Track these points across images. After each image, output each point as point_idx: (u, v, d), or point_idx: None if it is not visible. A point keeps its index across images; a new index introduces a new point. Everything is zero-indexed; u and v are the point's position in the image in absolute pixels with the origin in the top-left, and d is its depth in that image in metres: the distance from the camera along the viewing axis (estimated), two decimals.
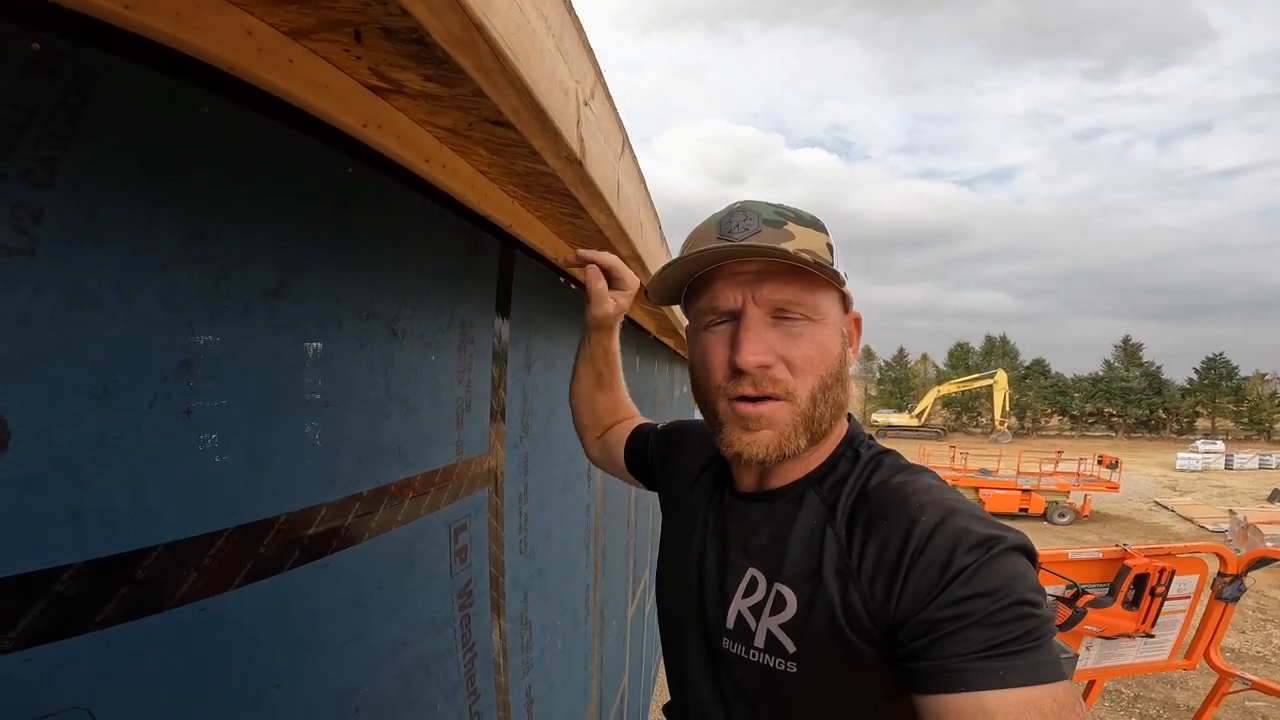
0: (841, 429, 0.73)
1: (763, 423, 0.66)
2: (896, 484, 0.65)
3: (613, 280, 1.00)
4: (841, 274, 0.66)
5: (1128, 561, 3.00)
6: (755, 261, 0.65)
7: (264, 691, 0.64)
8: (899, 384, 63.65)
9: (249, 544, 0.62)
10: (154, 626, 0.51)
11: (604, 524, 2.56)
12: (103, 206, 0.47)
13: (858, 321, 0.74)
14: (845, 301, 0.71)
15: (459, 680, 1.13)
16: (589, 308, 1.01)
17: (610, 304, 1.00)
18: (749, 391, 0.66)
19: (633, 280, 1.00)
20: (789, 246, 0.63)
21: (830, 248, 0.67)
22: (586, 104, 0.64)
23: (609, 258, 0.97)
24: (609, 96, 0.75)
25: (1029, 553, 0.58)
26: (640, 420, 1.12)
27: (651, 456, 1.00)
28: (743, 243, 0.64)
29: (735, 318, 0.67)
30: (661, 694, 5.32)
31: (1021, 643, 0.52)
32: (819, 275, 0.65)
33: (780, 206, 0.68)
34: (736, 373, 0.66)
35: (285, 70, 0.59)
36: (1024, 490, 15.73)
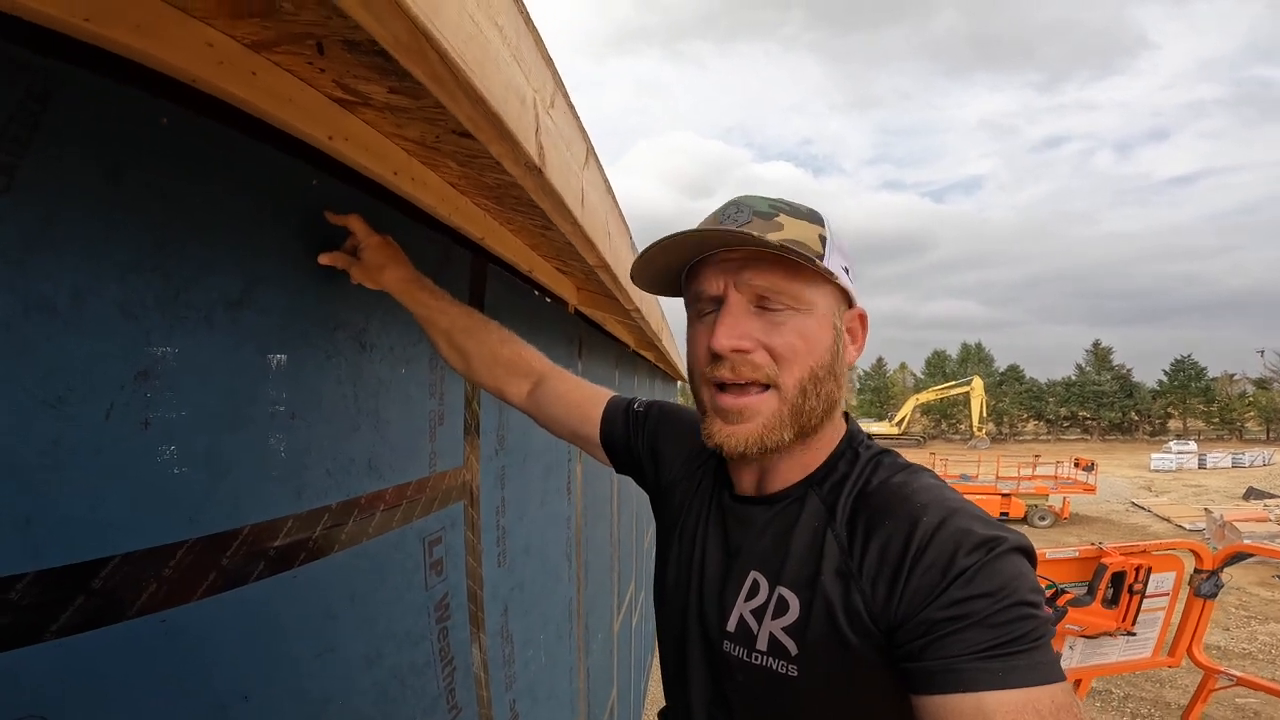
0: (840, 428, 0.73)
1: (744, 415, 0.65)
2: (897, 484, 0.64)
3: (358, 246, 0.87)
4: (827, 266, 0.65)
5: (1104, 560, 3.05)
6: (741, 250, 0.65)
7: (231, 704, 0.63)
8: (878, 393, 64.30)
9: (212, 555, 0.62)
10: (112, 637, 0.51)
11: (585, 536, 2.55)
12: (61, 213, 0.48)
13: (862, 318, 0.72)
14: (847, 298, 0.70)
15: (438, 694, 1.11)
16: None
17: (357, 270, 0.86)
18: (727, 376, 0.65)
19: (367, 238, 0.85)
20: (775, 236, 0.63)
21: (823, 239, 0.66)
22: (547, 112, 0.65)
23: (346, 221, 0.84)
24: (570, 105, 0.77)
25: (1029, 553, 0.58)
26: (600, 393, 1.00)
27: (635, 445, 0.93)
28: (717, 228, 0.64)
29: (719, 305, 0.67)
30: (651, 707, 5.25)
31: (1021, 643, 0.52)
32: (806, 266, 0.64)
33: (778, 200, 0.68)
34: (716, 358, 0.65)
35: (248, 82, 0.60)
36: (1004, 495, 15.90)
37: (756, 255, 0.64)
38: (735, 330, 0.64)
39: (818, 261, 0.64)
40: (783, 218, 0.66)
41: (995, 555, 0.55)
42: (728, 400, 0.66)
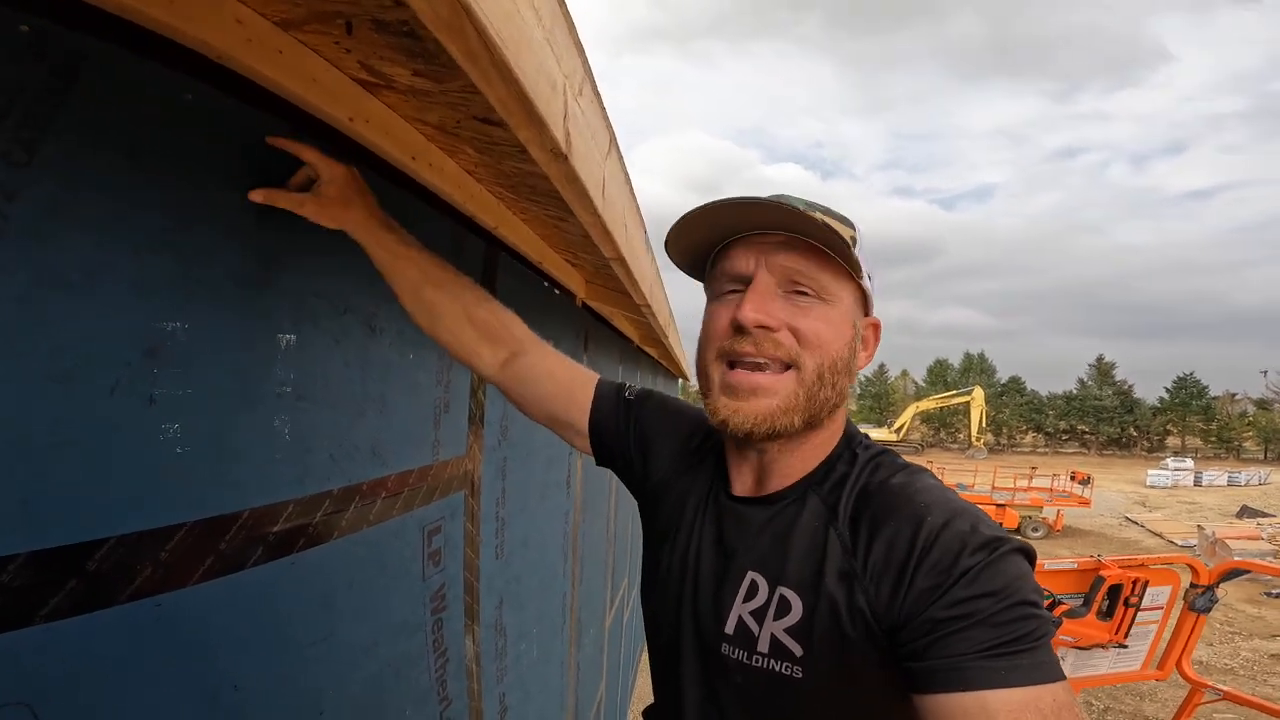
0: (839, 429, 0.72)
1: (758, 392, 0.64)
2: (899, 483, 0.64)
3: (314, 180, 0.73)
4: (860, 262, 0.66)
5: (1102, 572, 3.05)
6: (776, 235, 0.65)
7: (221, 692, 0.62)
8: (879, 399, 64.35)
9: (210, 539, 0.60)
10: (103, 622, 0.49)
11: (582, 531, 2.54)
12: (80, 189, 0.47)
13: (876, 327, 0.72)
14: (865, 302, 0.70)
15: (429, 686, 1.10)
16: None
17: (313, 206, 0.71)
18: (749, 351, 0.64)
19: (329, 170, 0.72)
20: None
21: (854, 241, 0.67)
22: (575, 99, 0.64)
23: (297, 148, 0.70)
24: (597, 95, 0.75)
25: (1029, 555, 0.59)
26: (588, 375, 0.92)
27: (626, 435, 0.87)
28: (770, 200, 0.63)
29: (746, 284, 0.66)
30: (638, 703, 5.27)
31: (1024, 642, 0.52)
32: (836, 261, 0.65)
33: (816, 202, 0.68)
34: (738, 331, 0.64)
35: (274, 61, 0.58)
36: (999, 505, 15.90)
37: (791, 240, 0.65)
38: (763, 306, 0.64)
39: (854, 258, 0.64)
40: (819, 214, 0.66)
41: (999, 555, 0.56)
42: (738, 376, 0.65)
